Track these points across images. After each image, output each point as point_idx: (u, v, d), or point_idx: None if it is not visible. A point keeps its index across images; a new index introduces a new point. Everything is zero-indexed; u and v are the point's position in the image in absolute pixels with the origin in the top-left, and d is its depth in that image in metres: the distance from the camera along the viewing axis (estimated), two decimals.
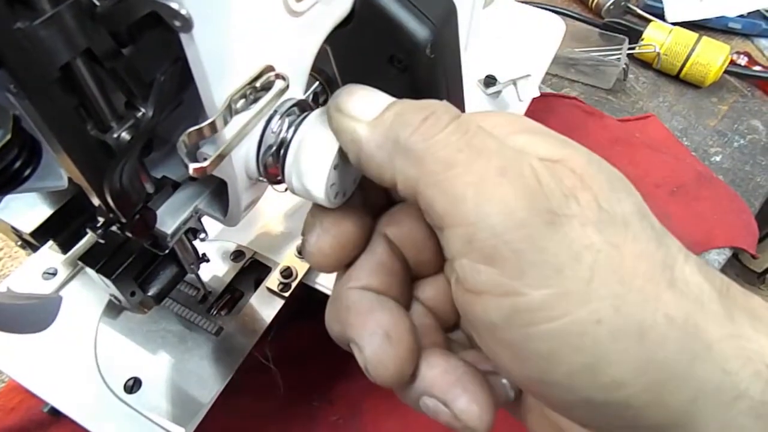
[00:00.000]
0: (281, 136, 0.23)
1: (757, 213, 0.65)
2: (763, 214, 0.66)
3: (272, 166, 0.24)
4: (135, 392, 0.35)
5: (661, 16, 0.85)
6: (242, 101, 0.23)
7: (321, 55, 0.29)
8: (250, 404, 0.46)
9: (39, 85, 0.20)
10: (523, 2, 0.74)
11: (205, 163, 0.20)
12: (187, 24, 0.17)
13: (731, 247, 0.61)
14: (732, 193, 0.65)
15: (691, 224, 0.61)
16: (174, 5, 0.17)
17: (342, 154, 0.22)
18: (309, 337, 0.50)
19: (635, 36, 0.80)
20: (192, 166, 0.20)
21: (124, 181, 0.23)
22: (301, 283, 0.41)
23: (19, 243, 0.38)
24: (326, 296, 0.43)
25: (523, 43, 0.61)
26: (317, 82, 0.40)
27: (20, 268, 0.40)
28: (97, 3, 0.19)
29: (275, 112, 0.24)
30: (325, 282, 0.42)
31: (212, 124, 0.20)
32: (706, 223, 0.62)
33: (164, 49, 0.25)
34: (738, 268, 0.92)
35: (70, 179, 0.28)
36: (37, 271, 0.40)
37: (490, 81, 0.55)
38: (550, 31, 0.63)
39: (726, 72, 0.77)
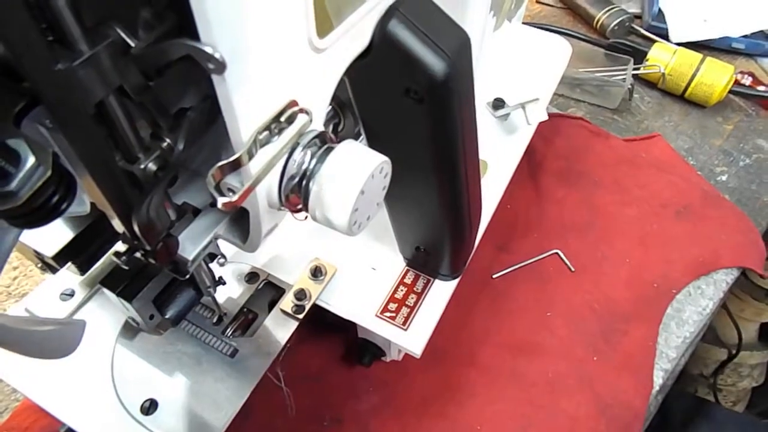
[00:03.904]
0: (304, 167, 0.24)
1: (765, 232, 0.66)
2: None
3: (294, 196, 0.25)
4: (151, 414, 0.36)
5: (665, 37, 0.86)
6: (266, 133, 0.23)
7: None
8: (261, 424, 0.46)
9: (73, 120, 0.21)
10: (529, 24, 0.75)
11: (234, 198, 0.21)
12: (221, 67, 0.18)
13: (738, 267, 0.61)
14: (739, 212, 0.66)
15: (698, 244, 0.62)
16: (208, 49, 0.18)
17: (364, 189, 0.22)
18: (320, 357, 0.51)
19: (640, 56, 0.81)
20: (221, 201, 0.21)
21: (151, 213, 0.23)
22: (313, 304, 0.41)
23: (40, 265, 0.39)
24: (337, 317, 0.44)
25: (530, 66, 0.62)
26: (330, 106, 0.41)
27: (38, 288, 0.41)
28: (132, 44, 0.20)
29: (297, 143, 0.25)
30: (338, 304, 0.42)
31: (239, 159, 0.21)
32: (713, 243, 0.62)
33: (187, 80, 0.26)
34: (746, 285, 0.92)
35: (92, 204, 0.29)
36: (55, 291, 0.40)
37: (498, 104, 0.55)
38: (556, 54, 0.65)
39: (730, 92, 0.78)
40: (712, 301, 0.58)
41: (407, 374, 0.50)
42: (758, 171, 0.73)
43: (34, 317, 0.32)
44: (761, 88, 0.80)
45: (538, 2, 0.97)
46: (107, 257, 0.40)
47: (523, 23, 0.69)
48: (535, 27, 0.70)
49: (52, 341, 0.25)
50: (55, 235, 0.36)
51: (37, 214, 0.19)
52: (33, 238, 0.36)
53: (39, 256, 0.36)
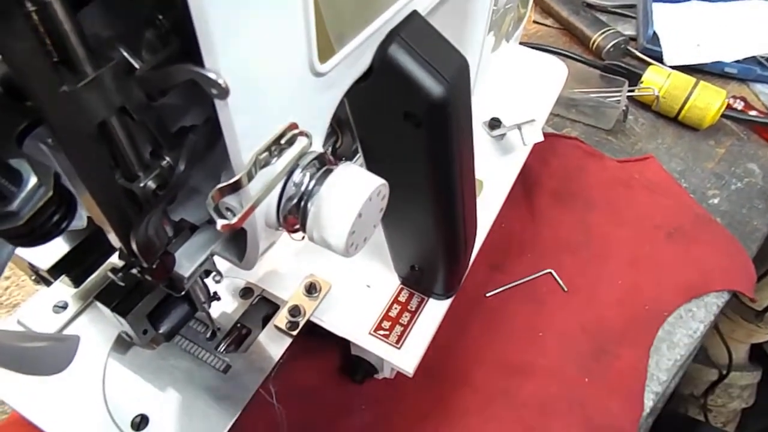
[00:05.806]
0: (302, 188, 0.25)
1: (754, 257, 0.66)
2: (759, 258, 0.67)
3: (291, 217, 0.25)
4: (142, 429, 0.36)
5: (659, 59, 0.87)
6: (266, 155, 0.24)
7: None
8: None
9: (75, 139, 0.21)
10: (526, 45, 0.76)
11: (233, 220, 0.21)
12: (224, 92, 0.18)
13: (729, 291, 0.61)
14: (729, 236, 0.66)
15: (689, 267, 0.62)
16: (212, 75, 0.18)
17: (362, 212, 0.23)
18: (313, 374, 0.50)
19: (635, 78, 0.82)
20: (220, 223, 0.21)
21: (149, 231, 0.23)
22: (307, 321, 0.41)
23: (34, 277, 0.39)
24: (330, 334, 0.44)
25: (526, 86, 0.63)
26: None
27: (31, 300, 0.41)
28: (136, 66, 0.20)
29: (297, 165, 0.25)
30: (331, 321, 0.42)
31: (239, 181, 0.21)
32: (703, 266, 0.63)
33: (188, 100, 0.26)
34: (737, 306, 0.93)
35: (89, 218, 0.29)
36: (48, 303, 0.40)
37: (494, 123, 0.56)
38: (552, 75, 0.65)
39: (723, 116, 0.79)
40: (702, 324, 0.59)
41: (400, 392, 0.50)
42: (749, 195, 0.73)
43: (27, 332, 0.31)
44: (753, 112, 0.82)
45: (535, 22, 0.98)
46: (101, 270, 0.40)
47: (520, 43, 0.69)
48: (532, 47, 0.71)
49: (45, 358, 0.25)
50: (50, 248, 0.36)
51: (37, 233, 0.19)
52: (28, 251, 0.36)
53: (33, 269, 0.36)
